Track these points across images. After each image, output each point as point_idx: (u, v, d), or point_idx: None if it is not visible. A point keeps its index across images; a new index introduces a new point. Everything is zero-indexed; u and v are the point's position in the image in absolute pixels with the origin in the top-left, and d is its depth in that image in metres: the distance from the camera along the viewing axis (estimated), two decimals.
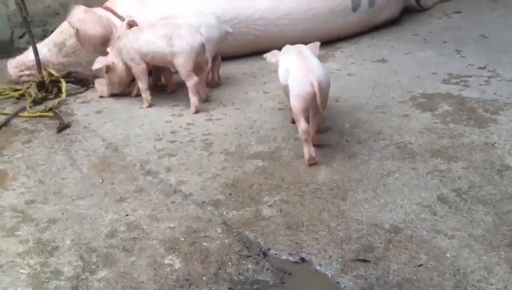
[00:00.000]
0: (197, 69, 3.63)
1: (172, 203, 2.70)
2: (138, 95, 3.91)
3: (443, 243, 2.28)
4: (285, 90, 3.01)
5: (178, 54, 3.55)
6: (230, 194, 2.74)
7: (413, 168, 2.83)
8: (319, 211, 2.55)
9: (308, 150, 2.90)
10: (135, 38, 3.69)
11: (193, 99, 3.63)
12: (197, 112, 3.64)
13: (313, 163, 2.92)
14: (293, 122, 3.18)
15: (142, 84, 3.76)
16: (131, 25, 3.87)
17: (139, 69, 3.72)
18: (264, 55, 3.31)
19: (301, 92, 2.86)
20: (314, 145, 2.97)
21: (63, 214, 2.65)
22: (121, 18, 4.23)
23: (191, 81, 3.58)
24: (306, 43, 4.63)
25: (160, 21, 3.82)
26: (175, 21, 3.71)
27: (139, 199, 2.75)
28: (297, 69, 2.93)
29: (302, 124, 2.87)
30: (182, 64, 3.57)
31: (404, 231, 2.37)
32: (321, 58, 4.43)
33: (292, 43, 4.49)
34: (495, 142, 2.99)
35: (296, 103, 2.88)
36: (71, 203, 2.74)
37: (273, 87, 3.95)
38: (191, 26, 3.64)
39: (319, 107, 2.83)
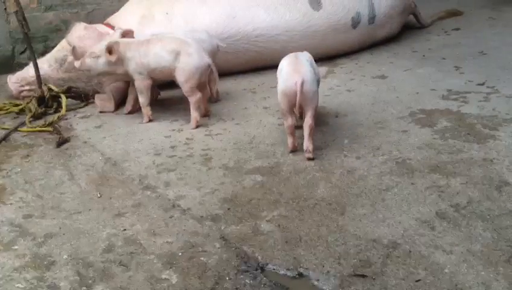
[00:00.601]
0: (201, 86, 3.66)
1: (170, 218, 2.69)
2: (132, 112, 3.92)
3: (441, 259, 2.27)
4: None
5: (182, 70, 3.57)
6: (228, 209, 2.73)
7: (412, 184, 2.82)
8: (317, 226, 2.55)
9: (291, 141, 3.21)
10: (145, 52, 3.66)
11: (194, 114, 3.64)
12: (197, 126, 3.64)
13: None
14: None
15: (143, 99, 3.76)
16: (125, 35, 3.86)
17: (144, 84, 3.72)
18: None
19: (285, 89, 3.10)
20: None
21: (60, 228, 2.64)
22: None
23: (194, 98, 3.60)
24: None
25: (168, 35, 3.83)
26: (184, 37, 3.71)
27: (137, 213, 2.74)
28: (287, 68, 3.18)
29: (287, 120, 3.17)
30: (185, 81, 3.58)
31: (402, 247, 2.36)
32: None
33: None
34: (494, 158, 2.99)
35: (281, 99, 3.15)
36: (69, 217, 2.73)
37: (273, 103, 3.96)
38: (200, 45, 3.65)
39: (297, 104, 3.05)
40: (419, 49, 5.00)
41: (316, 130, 3.47)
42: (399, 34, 5.35)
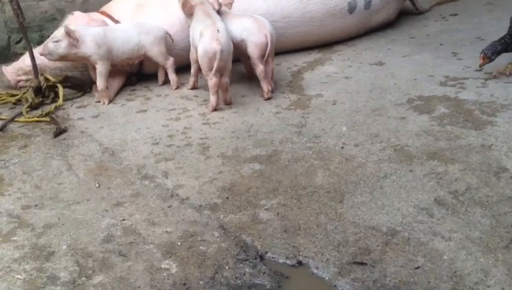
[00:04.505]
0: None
1: (169, 207, 2.69)
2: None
3: (440, 246, 2.27)
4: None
5: (198, 52, 3.68)
6: (227, 197, 2.73)
7: (410, 171, 2.82)
8: (316, 214, 2.55)
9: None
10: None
11: (211, 98, 3.69)
12: (214, 110, 3.68)
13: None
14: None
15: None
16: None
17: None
18: None
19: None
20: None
21: (59, 219, 2.65)
22: (118, 23, 4.23)
23: (210, 81, 3.63)
24: (304, 46, 4.69)
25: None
26: (210, 21, 3.73)
27: (136, 203, 2.74)
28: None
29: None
30: (200, 63, 3.68)
31: (401, 234, 2.36)
32: (318, 61, 4.49)
33: (290, 46, 4.55)
34: (492, 145, 2.99)
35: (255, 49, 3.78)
36: (67, 208, 2.73)
37: None
38: (214, 32, 3.63)
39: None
40: (416, 35, 4.97)
41: (313, 117, 3.48)
42: (396, 20, 5.32)
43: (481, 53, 3.71)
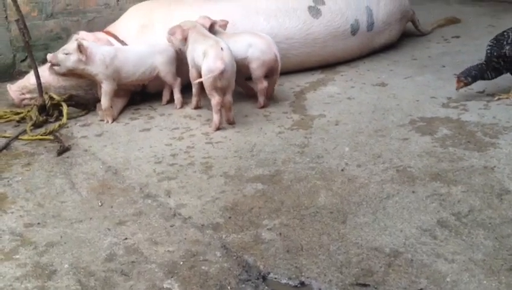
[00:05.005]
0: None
1: (171, 226, 2.69)
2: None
3: (443, 267, 2.27)
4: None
5: (202, 72, 3.72)
6: (229, 217, 2.73)
7: (413, 192, 2.82)
8: (318, 234, 2.55)
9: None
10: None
11: (214, 117, 3.72)
12: (217, 129, 3.71)
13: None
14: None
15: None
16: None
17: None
18: None
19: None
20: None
21: (61, 237, 2.64)
22: (123, 42, 4.27)
23: (213, 100, 3.67)
24: (307, 66, 4.73)
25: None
26: (219, 40, 3.80)
27: (138, 222, 2.74)
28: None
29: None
30: (203, 82, 3.69)
31: (404, 255, 2.36)
32: (321, 82, 4.52)
33: (293, 66, 4.59)
34: (494, 166, 3.00)
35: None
36: (70, 226, 2.73)
37: (273, 111, 3.97)
38: (218, 51, 3.68)
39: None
40: (419, 57, 5.01)
41: (316, 137, 3.50)
42: (399, 42, 5.36)
43: (456, 77, 3.82)
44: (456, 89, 3.80)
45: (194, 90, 4.05)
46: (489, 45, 3.82)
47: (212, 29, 4.03)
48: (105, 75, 3.88)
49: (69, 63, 3.84)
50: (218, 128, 3.71)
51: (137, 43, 4.25)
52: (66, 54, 3.84)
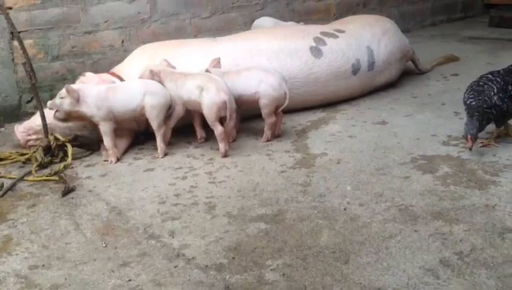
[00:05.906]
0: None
1: (175, 267, 2.70)
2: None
3: None
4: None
5: (204, 105, 3.88)
6: (233, 257, 2.75)
7: (415, 231, 2.84)
8: (321, 275, 2.56)
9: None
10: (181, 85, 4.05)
11: (220, 145, 3.95)
12: (225, 156, 3.94)
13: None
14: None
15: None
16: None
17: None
18: None
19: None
20: None
21: (66, 279, 2.66)
22: None
23: (216, 131, 3.89)
24: (309, 105, 4.80)
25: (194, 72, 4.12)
26: (210, 74, 4.02)
27: (142, 263, 2.75)
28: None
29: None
30: (206, 115, 3.88)
31: None
32: (323, 120, 4.58)
33: (295, 105, 4.65)
34: (495, 205, 3.02)
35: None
36: (74, 268, 2.75)
37: (276, 150, 4.01)
38: (220, 84, 3.88)
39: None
40: (418, 95, 5.08)
41: (318, 176, 3.52)
42: (399, 80, 5.44)
43: (468, 135, 3.58)
44: (470, 149, 3.61)
45: (195, 123, 4.26)
46: (471, 97, 3.71)
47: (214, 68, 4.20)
48: (99, 117, 3.94)
49: (65, 106, 3.92)
50: (225, 156, 3.93)
51: (131, 78, 4.32)
52: (61, 98, 3.92)
